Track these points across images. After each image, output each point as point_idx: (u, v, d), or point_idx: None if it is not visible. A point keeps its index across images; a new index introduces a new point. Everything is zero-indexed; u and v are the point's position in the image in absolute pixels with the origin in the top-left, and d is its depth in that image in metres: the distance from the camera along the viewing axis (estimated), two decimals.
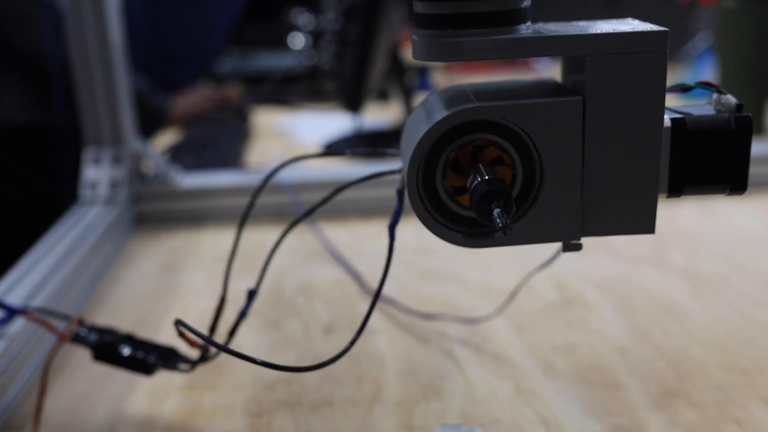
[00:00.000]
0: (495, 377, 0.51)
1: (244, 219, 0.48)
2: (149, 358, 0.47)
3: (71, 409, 0.50)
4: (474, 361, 0.53)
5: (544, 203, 0.38)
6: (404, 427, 0.46)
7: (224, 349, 0.39)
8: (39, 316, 0.49)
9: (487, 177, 0.35)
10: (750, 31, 1.08)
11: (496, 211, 0.34)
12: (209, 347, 0.46)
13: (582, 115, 0.36)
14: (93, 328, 0.48)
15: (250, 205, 0.47)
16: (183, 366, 0.47)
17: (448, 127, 0.36)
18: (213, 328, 0.46)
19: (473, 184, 0.35)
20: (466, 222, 0.38)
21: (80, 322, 0.48)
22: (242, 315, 0.45)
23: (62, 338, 0.47)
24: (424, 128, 0.36)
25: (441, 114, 0.36)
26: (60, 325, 0.49)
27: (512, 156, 0.37)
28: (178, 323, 0.40)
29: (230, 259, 0.47)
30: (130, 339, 0.48)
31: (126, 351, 0.47)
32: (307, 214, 0.45)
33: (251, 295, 0.45)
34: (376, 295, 0.39)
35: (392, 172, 0.42)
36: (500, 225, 0.34)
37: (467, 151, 0.37)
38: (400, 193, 0.40)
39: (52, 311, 0.53)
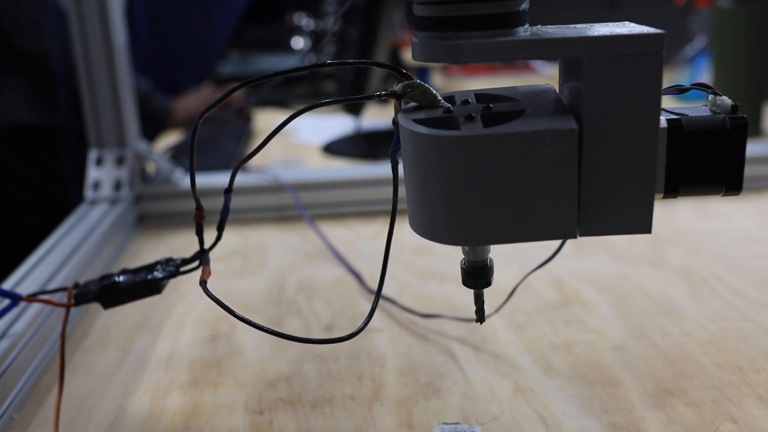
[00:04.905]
0: (494, 376, 0.51)
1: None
2: (153, 275, 0.47)
3: (75, 406, 0.50)
4: (473, 360, 0.53)
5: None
6: (404, 425, 0.46)
7: (262, 328, 0.40)
8: (39, 297, 0.50)
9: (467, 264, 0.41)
10: (746, 32, 1.07)
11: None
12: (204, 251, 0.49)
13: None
14: (88, 284, 0.49)
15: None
16: (186, 267, 0.48)
17: None
18: (200, 233, 0.49)
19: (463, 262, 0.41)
20: None
21: (76, 286, 0.49)
22: (225, 213, 0.48)
23: (68, 306, 0.48)
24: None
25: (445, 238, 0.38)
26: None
27: None
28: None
29: (191, 151, 0.46)
30: (125, 272, 0.49)
31: (128, 280, 0.47)
32: (258, 150, 0.44)
33: (227, 193, 0.47)
34: (383, 275, 0.41)
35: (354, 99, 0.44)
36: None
37: None
38: (395, 124, 0.40)
39: (48, 290, 0.55)
